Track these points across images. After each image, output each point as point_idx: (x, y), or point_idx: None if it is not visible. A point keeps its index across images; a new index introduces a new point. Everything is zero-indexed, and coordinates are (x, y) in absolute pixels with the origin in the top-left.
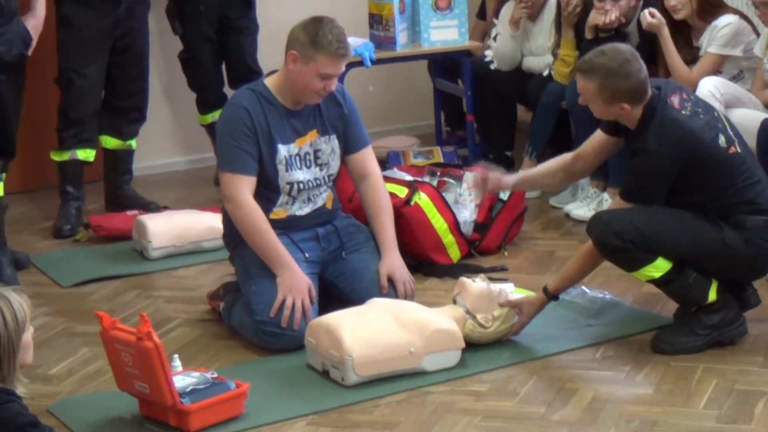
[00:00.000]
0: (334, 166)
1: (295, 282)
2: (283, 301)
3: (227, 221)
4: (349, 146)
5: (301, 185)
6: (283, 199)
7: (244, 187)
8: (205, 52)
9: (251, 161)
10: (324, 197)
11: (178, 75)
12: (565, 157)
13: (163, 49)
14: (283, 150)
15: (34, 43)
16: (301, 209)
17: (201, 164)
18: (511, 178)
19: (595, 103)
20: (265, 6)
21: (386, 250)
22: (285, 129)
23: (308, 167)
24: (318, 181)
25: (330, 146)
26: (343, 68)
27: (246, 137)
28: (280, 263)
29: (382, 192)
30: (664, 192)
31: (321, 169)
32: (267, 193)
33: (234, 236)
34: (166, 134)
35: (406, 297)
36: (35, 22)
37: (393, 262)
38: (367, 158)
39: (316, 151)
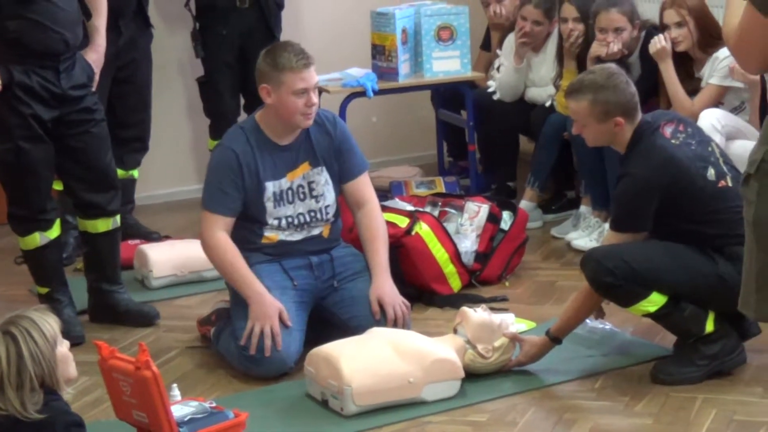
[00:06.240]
0: (330, 197)
1: (264, 309)
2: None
3: None
4: (344, 175)
5: (290, 219)
6: (270, 230)
7: (216, 225)
8: (224, 77)
9: (230, 202)
10: (320, 227)
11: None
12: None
13: (169, 77)
14: (271, 187)
15: (96, 77)
16: (293, 236)
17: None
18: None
19: (588, 126)
20: None
21: (376, 275)
22: (275, 165)
23: (302, 200)
24: (313, 214)
25: (323, 177)
26: (314, 78)
27: (229, 180)
28: (249, 293)
29: (379, 220)
30: (650, 218)
31: (317, 201)
32: (253, 226)
33: None
34: (169, 163)
35: (396, 321)
36: (96, 56)
37: (382, 287)
38: (363, 186)
39: (310, 183)
